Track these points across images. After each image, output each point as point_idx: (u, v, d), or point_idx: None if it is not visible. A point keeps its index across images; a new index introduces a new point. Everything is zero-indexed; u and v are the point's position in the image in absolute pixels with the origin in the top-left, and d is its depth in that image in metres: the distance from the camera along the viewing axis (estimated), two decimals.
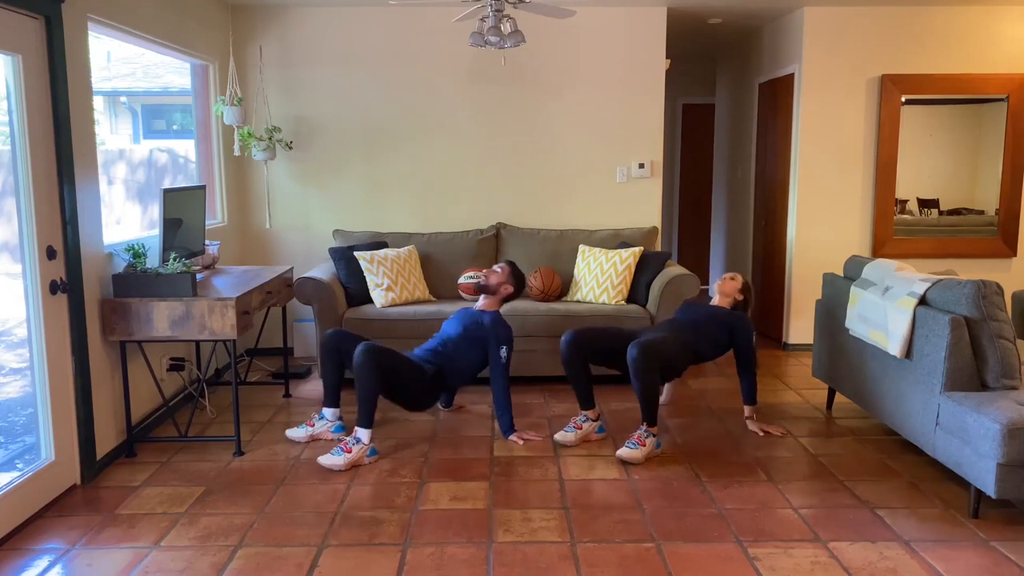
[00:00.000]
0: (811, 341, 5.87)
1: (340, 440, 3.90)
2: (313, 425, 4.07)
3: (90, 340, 3.56)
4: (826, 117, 5.73)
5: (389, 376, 3.83)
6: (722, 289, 4.30)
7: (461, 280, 5.17)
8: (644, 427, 3.80)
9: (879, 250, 5.80)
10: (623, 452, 3.72)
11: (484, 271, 4.31)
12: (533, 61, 5.65)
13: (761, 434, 4.13)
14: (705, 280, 8.45)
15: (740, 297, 4.30)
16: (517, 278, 4.29)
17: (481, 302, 4.23)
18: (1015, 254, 5.85)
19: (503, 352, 4.01)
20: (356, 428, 3.78)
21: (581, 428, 4.00)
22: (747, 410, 4.21)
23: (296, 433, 4.06)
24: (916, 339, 3.49)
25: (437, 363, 4.09)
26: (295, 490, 3.46)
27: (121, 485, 3.53)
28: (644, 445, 3.75)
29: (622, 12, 5.62)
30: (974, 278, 3.38)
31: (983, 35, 5.66)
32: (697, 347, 4.06)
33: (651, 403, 3.77)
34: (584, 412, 4.07)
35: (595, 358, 4.03)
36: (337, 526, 3.11)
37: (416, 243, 5.46)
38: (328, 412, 4.10)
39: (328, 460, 3.68)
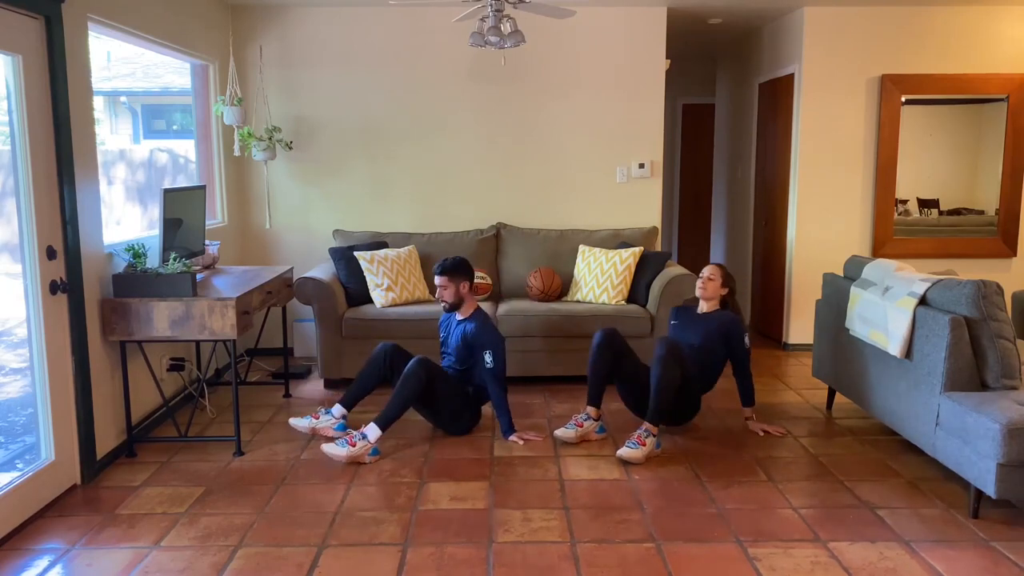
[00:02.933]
0: (811, 341, 5.87)
1: (342, 436, 3.90)
2: (318, 418, 4.08)
3: (90, 340, 3.56)
4: (826, 117, 5.73)
5: (432, 392, 3.90)
6: (706, 296, 4.18)
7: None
8: (644, 426, 3.80)
9: (879, 250, 5.80)
10: (623, 452, 3.72)
11: (436, 296, 4.14)
12: (533, 61, 5.65)
13: (761, 434, 4.13)
14: None
15: (724, 292, 4.19)
16: (463, 271, 4.07)
17: (458, 315, 4.17)
18: (1015, 254, 5.85)
19: (488, 357, 3.97)
20: (370, 424, 3.78)
21: (582, 426, 4.00)
22: (747, 411, 4.21)
23: (299, 423, 4.08)
24: (916, 339, 3.49)
25: (472, 384, 4.14)
26: (295, 490, 3.46)
27: (121, 485, 3.53)
28: (644, 445, 3.74)
29: (622, 12, 5.62)
30: (974, 278, 3.38)
31: (983, 35, 5.66)
32: (700, 386, 4.10)
33: (663, 399, 3.77)
34: (587, 411, 4.07)
35: (615, 364, 4.03)
36: (337, 526, 3.11)
37: (416, 243, 5.46)
38: (336, 410, 4.10)
39: (331, 449, 3.71)
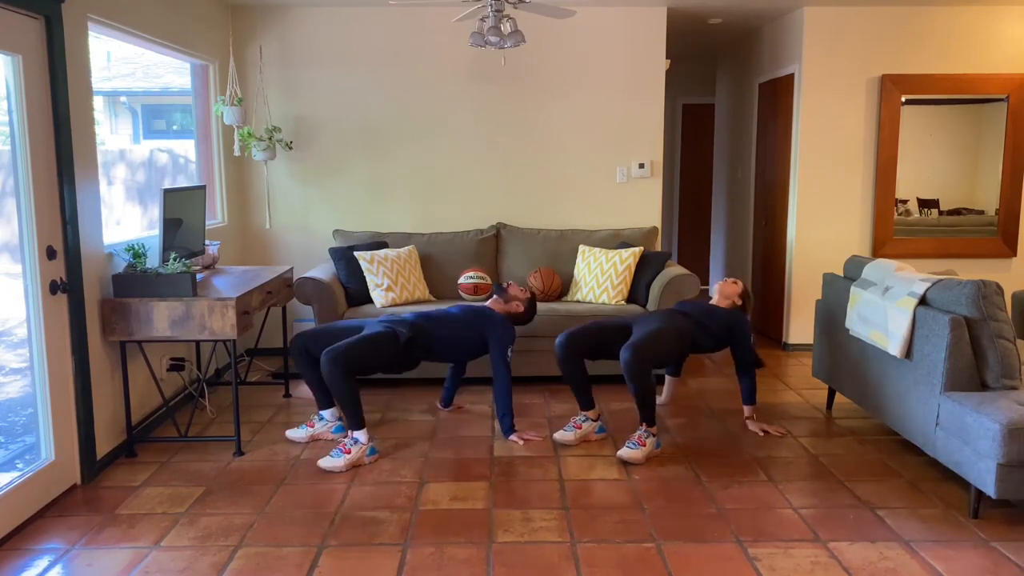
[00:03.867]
0: (811, 341, 5.87)
1: (340, 440, 3.90)
2: (313, 426, 4.07)
3: (90, 340, 3.56)
4: (826, 117, 5.74)
5: (361, 371, 3.79)
6: (723, 290, 4.33)
7: (461, 280, 5.17)
8: (644, 427, 3.80)
9: (879, 250, 5.80)
10: (623, 452, 3.73)
11: (507, 283, 4.32)
12: (533, 61, 5.65)
13: (761, 434, 4.13)
14: (705, 280, 8.45)
15: (739, 302, 4.32)
16: (532, 307, 4.31)
17: (490, 302, 4.25)
18: (1015, 254, 5.85)
19: (509, 352, 4.01)
20: (349, 432, 3.78)
21: (581, 428, 4.00)
22: (747, 410, 4.22)
23: (296, 434, 4.06)
24: (916, 339, 3.49)
25: (424, 329, 4.01)
26: (295, 490, 3.46)
27: (121, 485, 3.53)
28: (644, 445, 3.75)
29: (622, 12, 5.62)
30: (974, 278, 3.38)
31: (983, 35, 5.66)
32: (695, 337, 4.08)
33: (648, 404, 3.77)
34: (584, 412, 4.07)
35: (592, 355, 4.03)
36: (337, 526, 3.11)
37: (416, 243, 5.46)
38: (326, 413, 4.09)
39: (328, 463, 3.67)
